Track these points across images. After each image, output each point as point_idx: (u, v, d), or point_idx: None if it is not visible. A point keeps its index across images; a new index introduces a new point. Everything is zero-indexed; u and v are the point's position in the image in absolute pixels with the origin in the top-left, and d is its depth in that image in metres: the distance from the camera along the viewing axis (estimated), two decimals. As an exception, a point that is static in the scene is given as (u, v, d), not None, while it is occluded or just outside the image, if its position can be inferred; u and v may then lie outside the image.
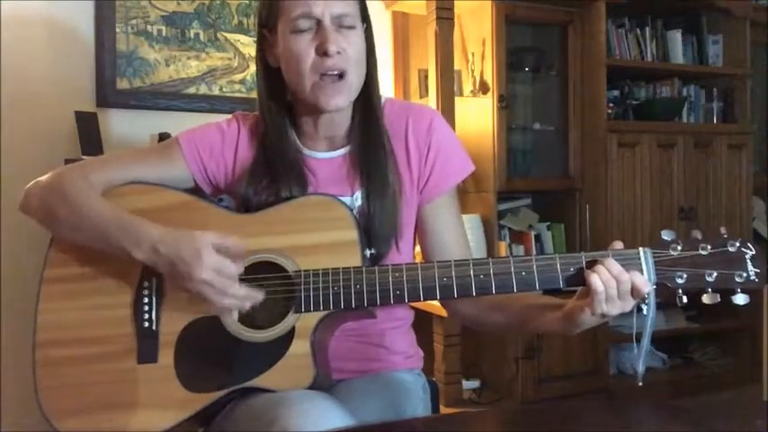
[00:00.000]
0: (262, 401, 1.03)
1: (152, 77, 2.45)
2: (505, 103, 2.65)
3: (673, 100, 3.16)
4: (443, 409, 2.07)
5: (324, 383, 1.10)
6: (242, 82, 2.59)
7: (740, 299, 1.02)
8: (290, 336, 1.07)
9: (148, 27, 2.44)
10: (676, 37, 3.15)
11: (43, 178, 1.18)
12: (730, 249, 1.02)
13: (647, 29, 3.08)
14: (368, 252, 1.12)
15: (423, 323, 1.88)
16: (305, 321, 1.07)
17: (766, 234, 3.36)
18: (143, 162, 1.22)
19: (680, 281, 1.02)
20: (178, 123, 2.36)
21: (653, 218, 2.92)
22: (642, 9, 3.07)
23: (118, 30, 2.39)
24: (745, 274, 1.01)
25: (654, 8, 3.10)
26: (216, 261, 1.02)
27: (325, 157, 1.23)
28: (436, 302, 1.23)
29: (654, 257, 1.02)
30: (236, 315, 1.08)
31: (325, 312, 1.07)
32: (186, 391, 1.07)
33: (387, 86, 2.87)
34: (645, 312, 1.02)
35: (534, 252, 2.77)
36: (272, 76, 1.20)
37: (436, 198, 1.24)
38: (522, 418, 1.08)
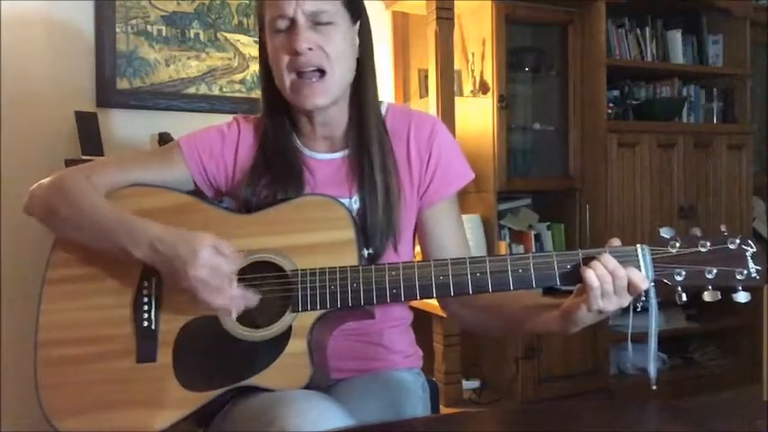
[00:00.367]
0: (260, 401, 1.03)
1: (152, 77, 2.45)
2: (505, 103, 2.65)
3: (673, 100, 3.15)
4: (443, 409, 2.06)
5: (321, 382, 1.10)
6: (242, 82, 2.58)
7: (741, 296, 1.00)
8: (287, 335, 1.07)
9: (148, 27, 2.44)
10: (676, 37, 3.14)
11: (46, 180, 1.19)
12: (730, 246, 1.01)
13: (647, 29, 3.08)
14: (365, 252, 1.12)
15: (422, 323, 1.88)
16: (302, 320, 1.07)
17: (766, 234, 3.36)
18: (144, 164, 1.23)
19: (679, 278, 1.01)
20: (178, 123, 2.37)
21: (653, 218, 2.92)
22: (642, 9, 3.07)
23: (118, 30, 2.39)
24: (745, 272, 1.00)
25: (654, 8, 3.10)
26: (212, 260, 1.02)
27: (325, 159, 1.24)
28: (436, 302, 1.23)
29: (652, 254, 1.02)
30: (234, 314, 1.08)
31: (322, 311, 1.08)
32: (184, 390, 1.08)
33: (387, 86, 2.87)
34: (648, 312, 1.02)
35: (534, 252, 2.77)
36: (272, 76, 1.21)
37: (437, 203, 1.24)
38: (522, 418, 1.08)
